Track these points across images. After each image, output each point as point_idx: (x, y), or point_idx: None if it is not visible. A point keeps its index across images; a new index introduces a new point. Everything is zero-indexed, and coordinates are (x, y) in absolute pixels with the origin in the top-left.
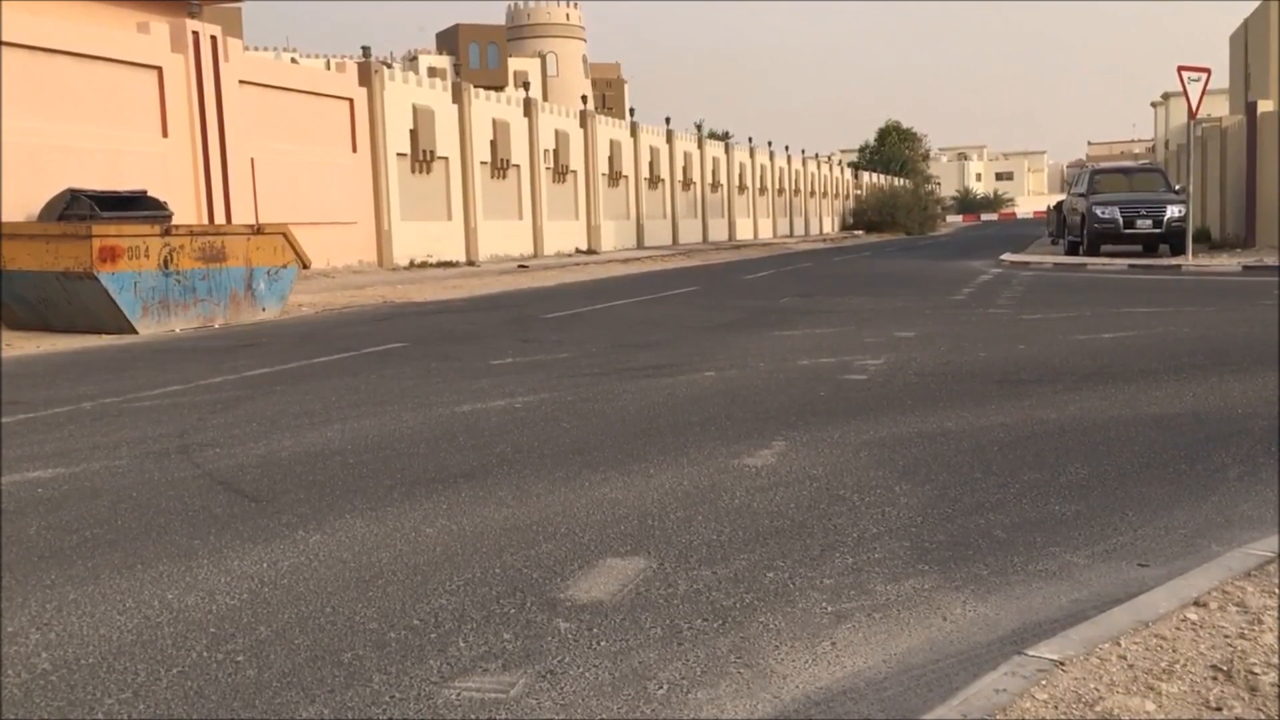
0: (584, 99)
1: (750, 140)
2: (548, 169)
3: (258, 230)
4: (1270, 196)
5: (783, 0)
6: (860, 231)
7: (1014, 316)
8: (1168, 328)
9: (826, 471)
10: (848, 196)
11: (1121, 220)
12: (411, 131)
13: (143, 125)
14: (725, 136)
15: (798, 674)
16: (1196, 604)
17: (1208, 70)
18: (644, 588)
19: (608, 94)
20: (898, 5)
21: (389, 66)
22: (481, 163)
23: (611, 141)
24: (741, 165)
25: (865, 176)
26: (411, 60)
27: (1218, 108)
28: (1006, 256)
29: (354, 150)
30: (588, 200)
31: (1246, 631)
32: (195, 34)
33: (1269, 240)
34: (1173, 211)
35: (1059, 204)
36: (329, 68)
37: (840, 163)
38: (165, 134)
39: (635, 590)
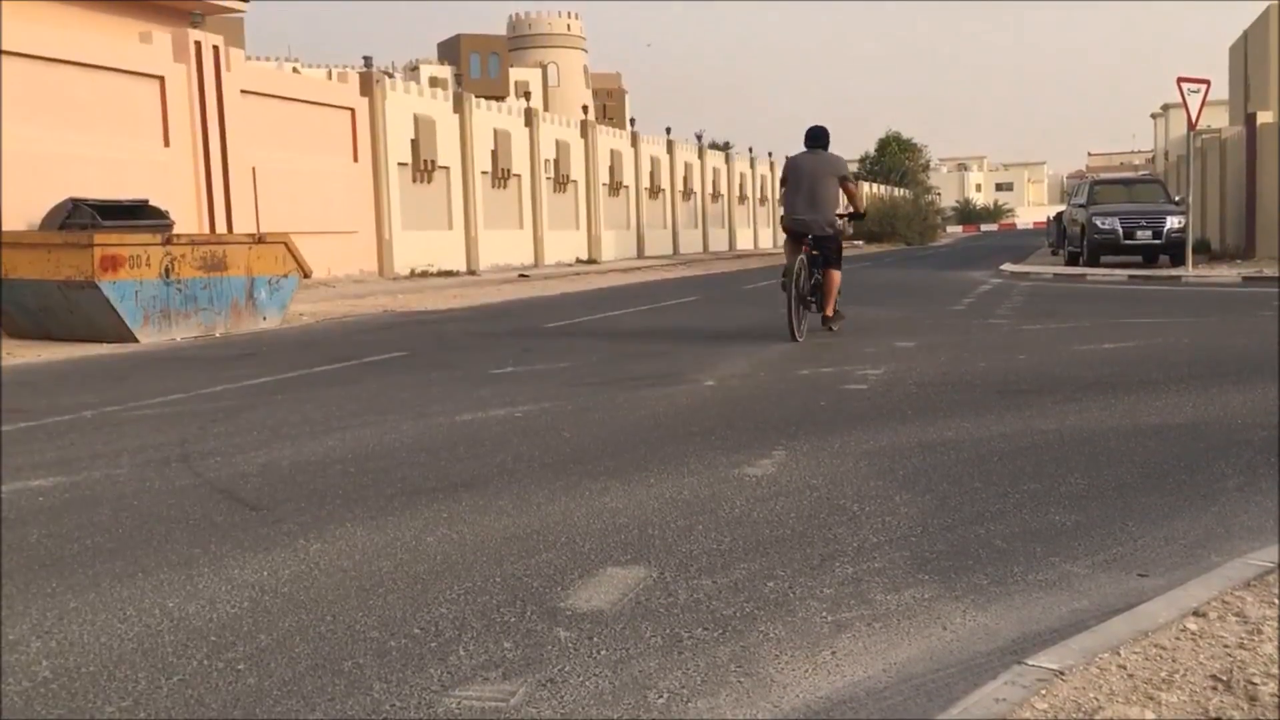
0: (585, 109)
1: (751, 150)
2: (548, 179)
3: (259, 239)
4: (1270, 207)
5: (782, 10)
6: (860, 242)
7: (1014, 327)
8: (1167, 338)
9: (827, 481)
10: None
11: (1121, 231)
12: (413, 141)
13: (145, 134)
14: (726, 146)
15: (798, 683)
16: (1196, 614)
17: (1207, 81)
18: (644, 596)
19: (608, 104)
20: (897, 16)
21: (390, 76)
22: (482, 172)
23: (612, 151)
24: (742, 175)
25: (865, 187)
26: (413, 70)
27: (1217, 119)
28: (1006, 267)
29: (355, 160)
30: (588, 210)
31: (1246, 641)
32: (197, 44)
33: (1269, 251)
34: (1172, 222)
35: (1059, 215)
36: (330, 77)
37: None
38: (167, 143)
39: (635, 599)
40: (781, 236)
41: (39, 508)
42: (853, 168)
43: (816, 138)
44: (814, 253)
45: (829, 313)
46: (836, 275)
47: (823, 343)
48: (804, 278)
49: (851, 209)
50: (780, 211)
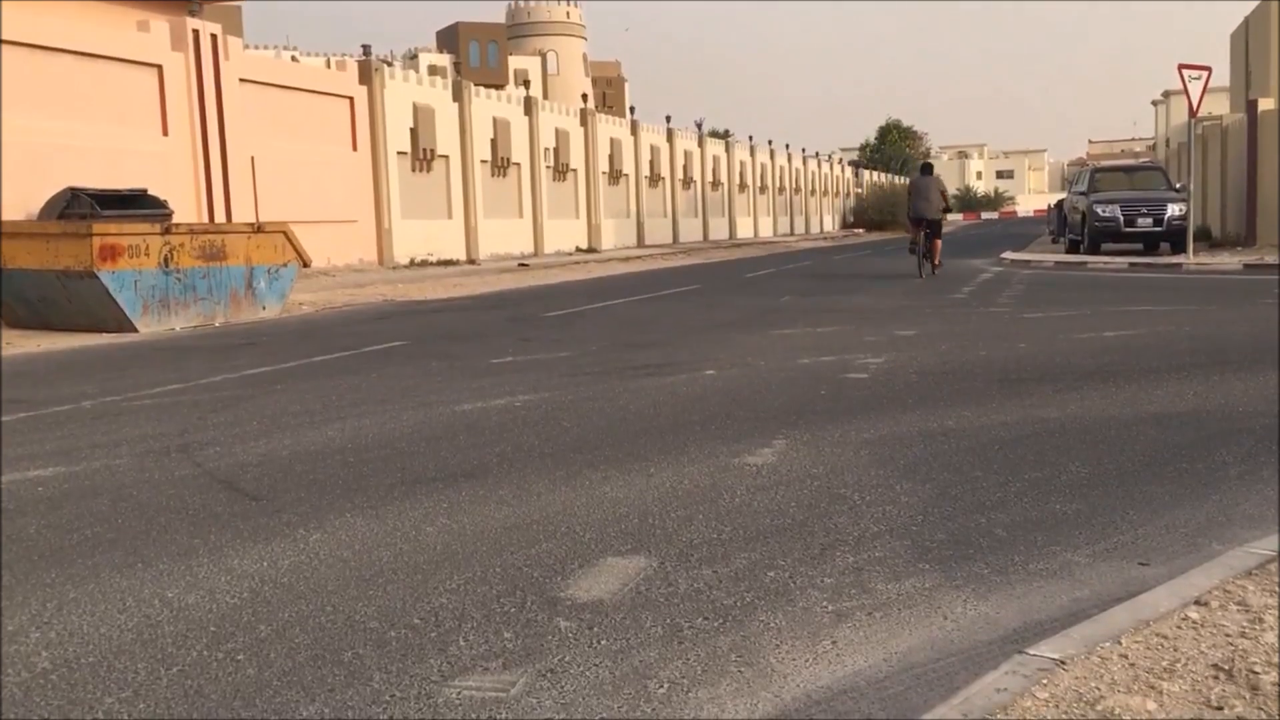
0: (584, 97)
1: (751, 139)
2: (548, 167)
3: (258, 229)
4: (1271, 195)
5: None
6: (861, 230)
7: (1015, 315)
8: (1168, 326)
9: (827, 470)
10: (848, 195)
11: (1122, 218)
12: (412, 130)
13: (143, 124)
14: (726, 135)
15: (798, 673)
16: (1198, 603)
17: (1208, 69)
18: (644, 586)
19: (608, 92)
20: (898, 4)
21: (389, 65)
22: (482, 161)
23: (612, 140)
24: (742, 164)
25: (866, 175)
26: (412, 58)
27: (1218, 106)
28: (1007, 255)
29: (354, 148)
30: (588, 199)
31: (1248, 630)
32: (195, 32)
33: (1269, 238)
34: (1173, 210)
35: (1060, 202)
36: (329, 66)
37: (841, 161)
38: (165, 132)
39: (636, 589)
40: (785, 226)
41: (38, 498)
42: (852, 156)
43: (927, 169)
44: (927, 231)
45: (936, 262)
46: (939, 242)
47: (934, 278)
48: (923, 245)
49: (944, 205)
50: (909, 210)
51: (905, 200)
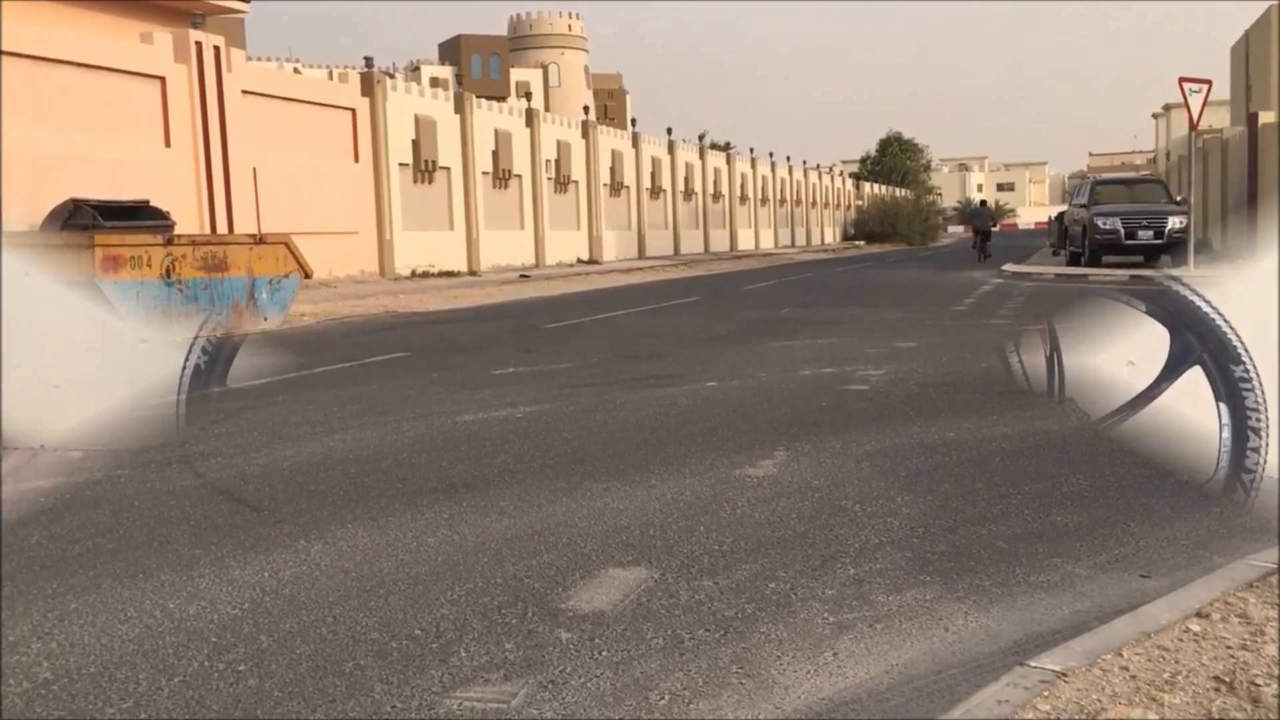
0: (586, 109)
1: (752, 151)
2: (549, 179)
3: (260, 240)
4: (1271, 207)
5: (784, 10)
6: (861, 242)
7: (1016, 327)
8: None
9: (828, 482)
10: (849, 207)
11: (1123, 231)
12: (414, 141)
13: (146, 135)
14: (727, 147)
15: (800, 684)
16: (1198, 615)
17: (1209, 82)
18: (646, 598)
19: (609, 104)
20: (899, 18)
21: (391, 77)
22: (483, 173)
23: (613, 152)
24: (743, 176)
25: (866, 187)
26: (414, 71)
27: (1219, 119)
28: (1008, 267)
29: (356, 160)
30: (589, 210)
31: (1248, 642)
32: (198, 44)
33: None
34: (1174, 222)
35: (1061, 215)
36: (331, 78)
37: (841, 173)
38: (168, 144)
39: (637, 600)
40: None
41: (40, 509)
42: (853, 168)
43: (982, 204)
44: (983, 237)
45: (987, 254)
46: (989, 243)
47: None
48: (980, 245)
49: (993, 222)
50: (972, 224)
51: (912, 214)
